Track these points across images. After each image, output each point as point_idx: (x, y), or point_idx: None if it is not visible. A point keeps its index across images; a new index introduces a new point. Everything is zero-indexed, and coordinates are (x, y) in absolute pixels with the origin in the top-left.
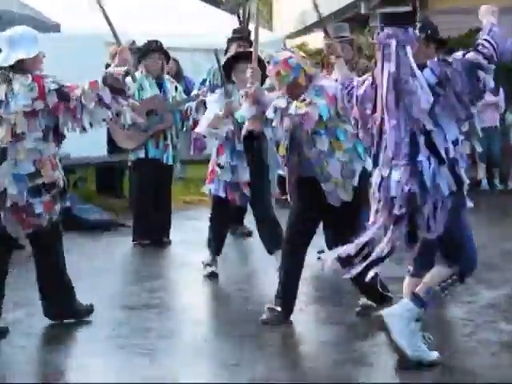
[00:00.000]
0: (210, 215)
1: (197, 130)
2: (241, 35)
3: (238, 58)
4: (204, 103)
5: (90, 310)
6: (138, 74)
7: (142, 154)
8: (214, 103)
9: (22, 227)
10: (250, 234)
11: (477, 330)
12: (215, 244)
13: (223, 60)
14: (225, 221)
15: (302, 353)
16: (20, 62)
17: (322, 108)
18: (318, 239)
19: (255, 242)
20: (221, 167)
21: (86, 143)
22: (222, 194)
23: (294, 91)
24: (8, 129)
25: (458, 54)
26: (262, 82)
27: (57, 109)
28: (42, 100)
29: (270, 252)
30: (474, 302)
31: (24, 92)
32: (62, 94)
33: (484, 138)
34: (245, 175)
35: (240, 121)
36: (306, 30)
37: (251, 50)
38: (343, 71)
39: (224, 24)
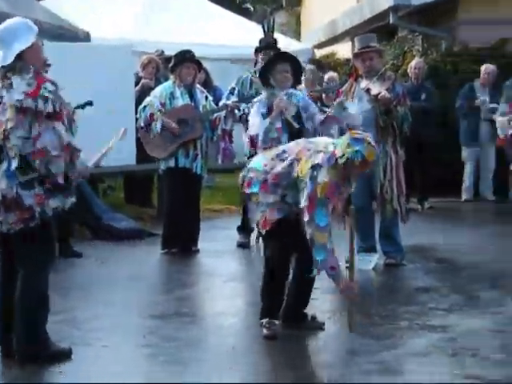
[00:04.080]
0: None
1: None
2: (266, 44)
3: (275, 61)
4: (233, 113)
5: (66, 352)
6: (169, 83)
7: (172, 163)
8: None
9: (12, 222)
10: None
11: (506, 340)
12: None
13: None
14: None
15: (327, 362)
16: (18, 57)
17: None
18: None
19: None
20: None
21: (115, 152)
22: None
23: None
24: (1, 125)
25: None
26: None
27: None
28: (32, 99)
29: None
30: (502, 313)
31: (21, 86)
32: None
33: None
34: None
35: None
36: (335, 39)
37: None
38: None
39: (253, 34)
